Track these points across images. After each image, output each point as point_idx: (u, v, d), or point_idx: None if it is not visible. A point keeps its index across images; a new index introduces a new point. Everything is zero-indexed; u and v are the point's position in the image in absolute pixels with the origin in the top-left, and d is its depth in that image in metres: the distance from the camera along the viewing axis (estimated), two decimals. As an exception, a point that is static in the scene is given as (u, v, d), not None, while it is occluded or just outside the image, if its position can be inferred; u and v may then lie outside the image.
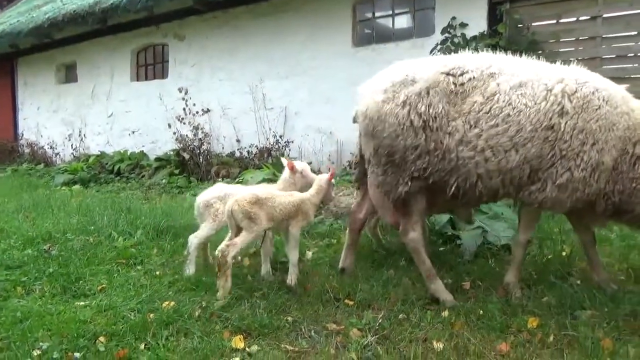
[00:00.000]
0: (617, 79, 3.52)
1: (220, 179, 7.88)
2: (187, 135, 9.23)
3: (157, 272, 3.77)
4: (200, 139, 9.21)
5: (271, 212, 3.32)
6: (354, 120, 3.46)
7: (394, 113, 3.10)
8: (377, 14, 8.50)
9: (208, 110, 9.56)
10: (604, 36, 6.61)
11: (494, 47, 6.57)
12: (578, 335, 2.65)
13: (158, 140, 10.87)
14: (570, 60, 3.38)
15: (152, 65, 11.80)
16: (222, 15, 9.94)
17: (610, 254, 4.03)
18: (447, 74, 3.11)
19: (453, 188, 3.12)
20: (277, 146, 8.88)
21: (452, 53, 6.85)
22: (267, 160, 8.38)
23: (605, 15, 6.54)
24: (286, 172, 3.91)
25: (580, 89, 2.98)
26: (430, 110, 3.04)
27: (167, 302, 3.13)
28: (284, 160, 3.98)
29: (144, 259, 4.11)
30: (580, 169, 2.94)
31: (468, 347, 2.59)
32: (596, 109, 2.95)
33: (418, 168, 3.11)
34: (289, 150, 8.80)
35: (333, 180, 3.67)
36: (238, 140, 9.50)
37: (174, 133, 9.23)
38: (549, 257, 3.93)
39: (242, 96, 9.57)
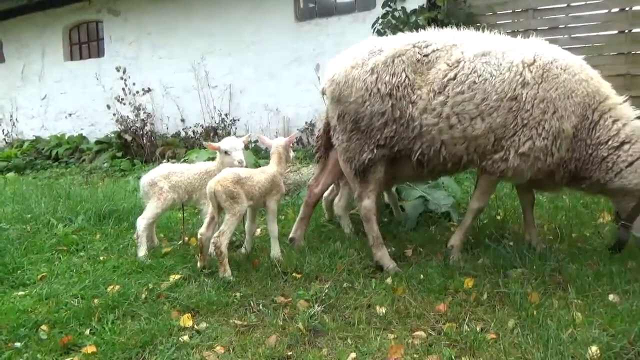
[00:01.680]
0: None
1: (165, 160, 7.70)
2: (128, 116, 8.92)
3: (101, 257, 3.68)
4: (142, 120, 8.93)
5: (251, 190, 3.34)
6: (323, 93, 3.48)
7: (362, 79, 3.18)
8: (319, -13, 8.45)
9: (149, 90, 9.26)
10: (537, 8, 6.89)
11: (433, 20, 6.73)
12: (509, 292, 2.84)
13: (98, 122, 10.44)
14: (507, 33, 3.49)
15: (86, 44, 11.22)
16: (159, -11, 9.57)
17: (540, 215, 4.30)
18: (413, 45, 3.21)
19: (417, 154, 3.22)
20: (223, 125, 8.76)
21: (393, 27, 6.96)
22: (213, 140, 8.25)
23: (537, -13, 6.82)
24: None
25: (539, 59, 3.09)
26: (395, 79, 3.13)
27: (112, 286, 3.08)
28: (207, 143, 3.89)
29: (86, 245, 3.99)
30: (541, 138, 3.04)
31: (409, 310, 2.73)
32: (555, 78, 3.05)
33: (385, 136, 3.19)
34: (236, 128, 8.71)
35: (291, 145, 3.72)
36: (183, 120, 9.29)
37: (114, 114, 8.89)
38: (485, 221, 4.15)
39: (185, 74, 9.31)
